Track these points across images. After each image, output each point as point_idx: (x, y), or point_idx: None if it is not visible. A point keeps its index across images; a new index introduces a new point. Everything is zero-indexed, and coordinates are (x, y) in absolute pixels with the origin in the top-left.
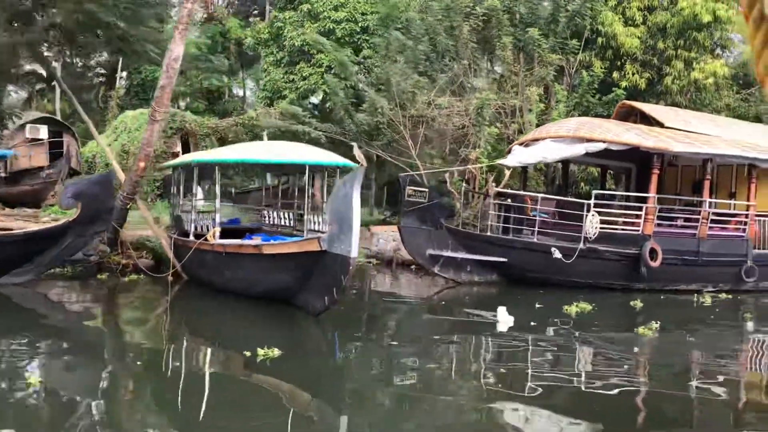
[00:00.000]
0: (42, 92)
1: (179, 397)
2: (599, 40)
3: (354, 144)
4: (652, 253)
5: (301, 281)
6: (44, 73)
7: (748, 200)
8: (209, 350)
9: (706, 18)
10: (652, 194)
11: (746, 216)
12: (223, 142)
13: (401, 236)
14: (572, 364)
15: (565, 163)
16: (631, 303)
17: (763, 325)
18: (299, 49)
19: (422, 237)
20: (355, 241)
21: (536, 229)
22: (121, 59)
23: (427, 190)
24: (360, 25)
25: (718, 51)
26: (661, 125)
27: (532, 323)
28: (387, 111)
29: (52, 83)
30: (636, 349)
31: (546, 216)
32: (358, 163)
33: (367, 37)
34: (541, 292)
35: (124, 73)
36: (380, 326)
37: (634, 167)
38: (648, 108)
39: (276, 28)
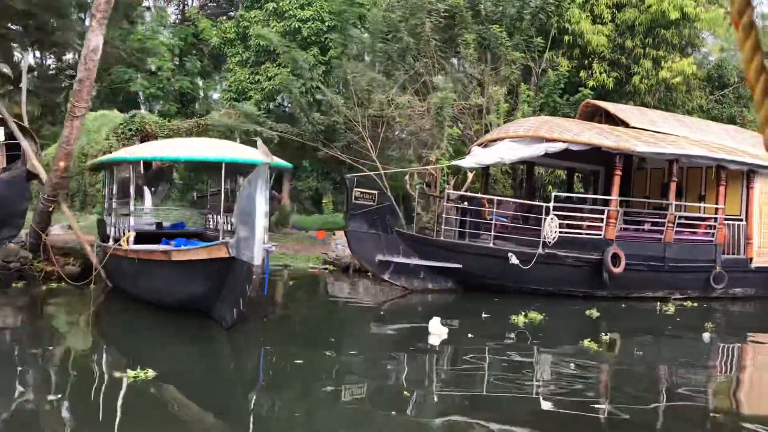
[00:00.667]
0: (9, 94)
1: None
2: (566, 38)
3: (257, 139)
4: (615, 258)
5: (214, 290)
6: (11, 75)
7: (716, 203)
8: (79, 370)
9: (674, 15)
10: (614, 197)
11: (715, 220)
12: None
13: (348, 241)
14: (497, 379)
15: (530, 165)
16: (587, 312)
17: (725, 336)
18: (265, 48)
19: (371, 242)
20: (259, 247)
21: (492, 233)
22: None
23: (376, 192)
24: (327, 24)
25: (689, 50)
26: (626, 125)
27: (470, 335)
28: (343, 110)
29: (20, 85)
30: (572, 366)
31: (505, 220)
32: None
33: (335, 36)
34: (496, 300)
35: None
36: (318, 339)
37: (602, 170)
38: (613, 107)
39: (242, 27)
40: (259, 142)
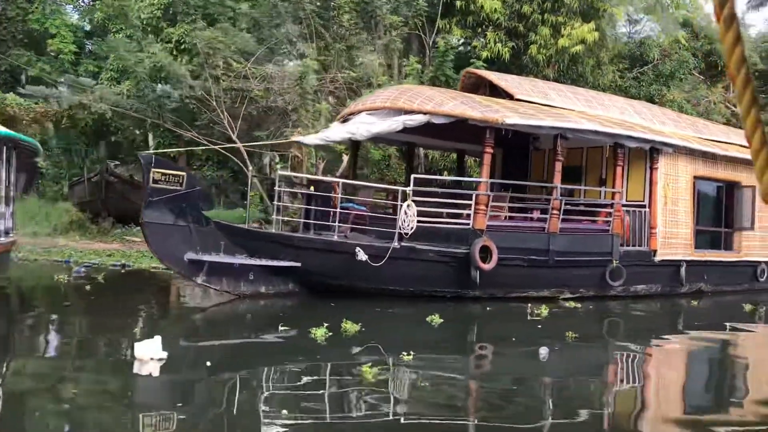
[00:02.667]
0: None
1: None
2: (459, 3)
3: None
4: (485, 252)
5: None
6: None
7: (613, 186)
8: None
9: None
10: (483, 179)
11: (610, 206)
12: (57, 126)
13: (145, 236)
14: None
15: (412, 146)
16: (429, 318)
17: (585, 346)
18: (148, 23)
19: (178, 236)
20: None
21: (337, 224)
22: None
23: (183, 174)
24: None
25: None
26: (510, 97)
27: (208, 363)
28: (190, 82)
29: None
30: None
31: (363, 209)
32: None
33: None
34: (333, 305)
35: None
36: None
37: (499, 152)
38: (496, 77)
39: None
40: None
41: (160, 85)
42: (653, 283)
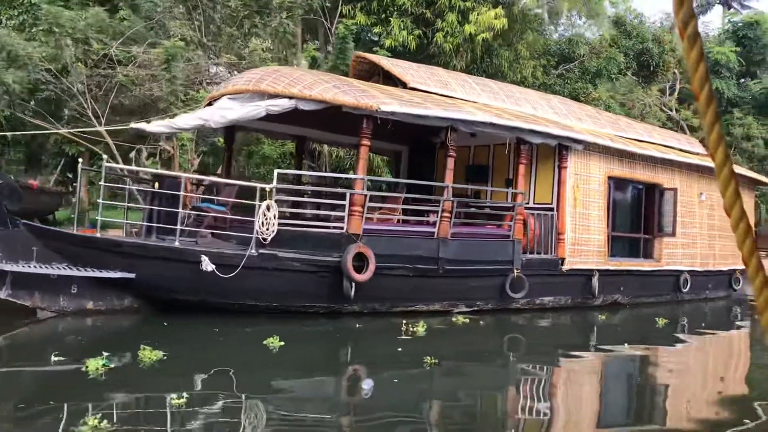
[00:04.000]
0: None
1: None
2: None
3: None
4: (360, 260)
5: None
6: None
7: (515, 187)
8: None
9: None
10: (360, 176)
11: (511, 209)
12: None
13: None
14: None
15: (301, 140)
16: (268, 341)
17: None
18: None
19: None
20: None
21: (179, 227)
22: None
23: None
24: None
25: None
26: (404, 85)
27: None
28: (39, 63)
29: None
30: None
31: (223, 209)
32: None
33: None
34: (165, 324)
35: None
36: None
37: (405, 150)
38: (390, 63)
39: None
40: None
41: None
42: (562, 294)
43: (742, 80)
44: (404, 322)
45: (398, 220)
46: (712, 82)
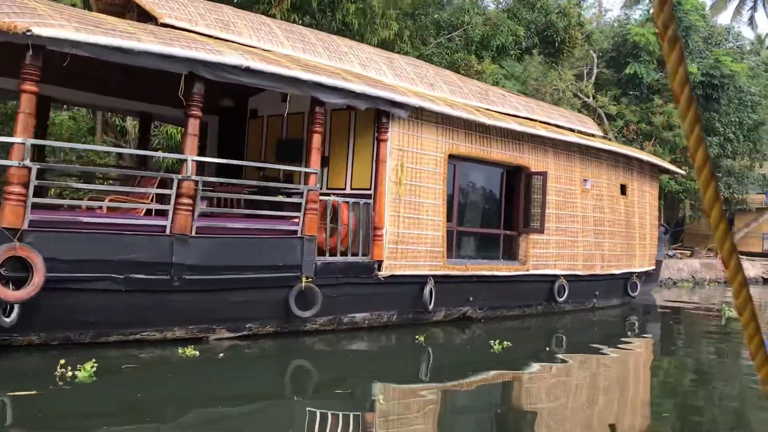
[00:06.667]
0: None
1: None
2: None
3: None
4: (19, 268)
5: None
6: None
7: (307, 165)
8: None
9: None
10: (18, 139)
11: (300, 194)
12: None
13: None
14: None
15: (43, 103)
16: None
17: None
18: None
19: None
20: None
21: None
22: None
23: None
24: None
25: None
26: (155, 21)
27: None
28: None
29: None
30: None
31: None
32: None
33: None
34: None
35: None
36: None
37: (214, 120)
38: None
39: None
40: None
41: None
42: (382, 309)
43: (664, 65)
44: (60, 364)
45: (150, 211)
46: (630, 66)
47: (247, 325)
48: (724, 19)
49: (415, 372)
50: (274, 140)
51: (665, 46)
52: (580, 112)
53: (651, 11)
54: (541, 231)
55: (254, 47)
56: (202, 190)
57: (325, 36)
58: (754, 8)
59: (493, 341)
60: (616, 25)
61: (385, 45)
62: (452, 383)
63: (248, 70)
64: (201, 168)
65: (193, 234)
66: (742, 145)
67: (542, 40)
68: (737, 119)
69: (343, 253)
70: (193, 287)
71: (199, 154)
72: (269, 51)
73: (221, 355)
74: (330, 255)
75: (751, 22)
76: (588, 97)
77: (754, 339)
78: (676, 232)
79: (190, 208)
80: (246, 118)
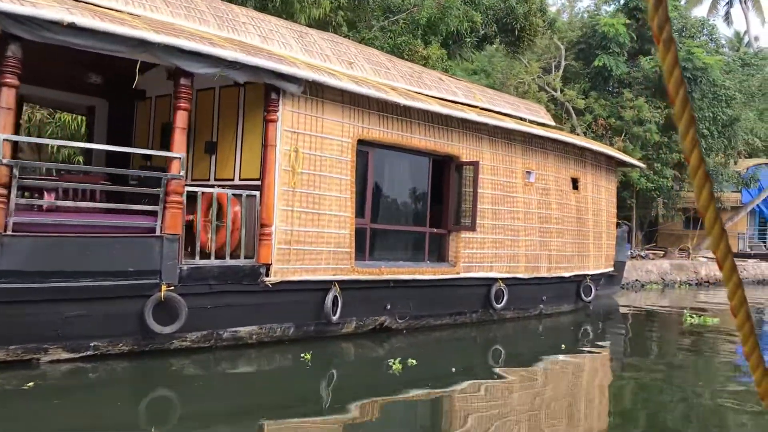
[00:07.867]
0: None
1: None
2: None
3: None
4: None
5: None
6: None
7: (170, 149)
8: None
9: None
10: None
11: (165, 183)
12: None
13: None
14: None
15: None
16: None
17: None
18: None
19: None
20: None
21: None
22: None
23: None
24: None
25: None
26: None
27: None
28: None
29: None
30: None
31: None
32: None
33: None
34: None
35: None
36: None
37: (100, 104)
38: None
39: None
40: None
41: None
42: (272, 321)
43: (635, 58)
44: None
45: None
46: (599, 58)
47: (92, 344)
48: (699, 12)
49: (267, 402)
50: (161, 123)
51: (660, 48)
52: (546, 106)
53: (623, 2)
54: (472, 228)
55: (116, 10)
56: (44, 179)
57: (221, 4)
58: (730, 4)
59: (392, 360)
60: (585, 15)
61: (321, 28)
62: (295, 420)
63: (74, 27)
64: (89, 158)
65: (9, 232)
66: (717, 142)
67: (501, 27)
68: (711, 114)
69: (233, 256)
70: (5, 298)
71: (87, 142)
72: (137, 16)
73: (52, 382)
74: (202, 258)
75: (727, 17)
76: (555, 91)
77: (749, 341)
78: (649, 231)
79: (3, 199)
80: (133, 102)
